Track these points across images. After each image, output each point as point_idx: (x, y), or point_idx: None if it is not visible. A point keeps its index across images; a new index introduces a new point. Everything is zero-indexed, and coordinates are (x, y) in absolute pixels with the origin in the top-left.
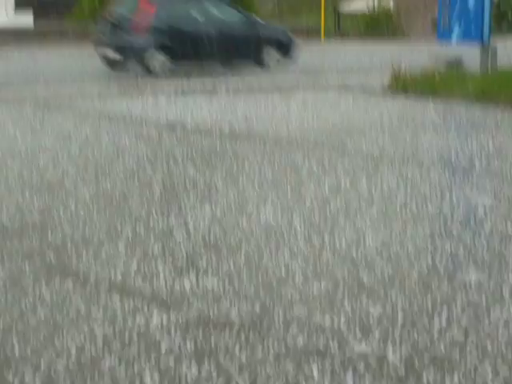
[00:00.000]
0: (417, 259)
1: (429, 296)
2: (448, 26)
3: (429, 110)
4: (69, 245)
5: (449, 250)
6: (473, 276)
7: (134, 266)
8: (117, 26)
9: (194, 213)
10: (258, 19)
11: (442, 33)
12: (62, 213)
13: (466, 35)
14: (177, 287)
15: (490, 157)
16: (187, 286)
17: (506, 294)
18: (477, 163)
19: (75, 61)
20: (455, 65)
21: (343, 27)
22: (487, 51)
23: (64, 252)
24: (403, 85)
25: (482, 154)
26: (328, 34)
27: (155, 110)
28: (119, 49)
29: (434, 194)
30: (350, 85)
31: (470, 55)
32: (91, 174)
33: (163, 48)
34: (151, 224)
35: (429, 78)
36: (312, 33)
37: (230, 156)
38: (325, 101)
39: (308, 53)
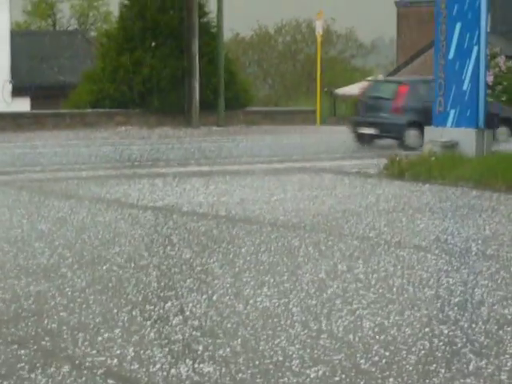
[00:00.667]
0: (414, 344)
1: (427, 381)
2: (443, 111)
3: (425, 193)
4: (65, 330)
5: (446, 334)
6: (471, 361)
7: (131, 352)
8: (373, 107)
9: (191, 297)
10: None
11: (437, 117)
12: (58, 298)
13: (461, 119)
14: (173, 373)
15: (487, 240)
16: (184, 371)
17: (505, 380)
18: (473, 246)
19: (71, 145)
20: (451, 148)
21: (339, 111)
22: (483, 135)
23: (60, 338)
24: (399, 168)
25: (478, 237)
26: (324, 118)
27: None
28: (376, 125)
29: (430, 277)
30: (346, 168)
31: (466, 138)
32: (88, 259)
33: (416, 124)
34: (148, 309)
35: (425, 161)
36: (307, 117)
37: (226, 239)
38: (321, 183)
39: (304, 137)
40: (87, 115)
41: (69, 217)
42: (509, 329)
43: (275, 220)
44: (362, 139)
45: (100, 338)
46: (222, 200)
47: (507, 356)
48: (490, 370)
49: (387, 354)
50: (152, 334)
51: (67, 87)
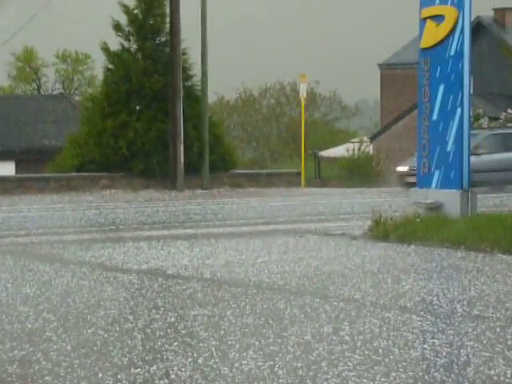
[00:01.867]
0: None
1: None
2: (427, 172)
3: (410, 255)
4: None
5: None
6: None
7: None
8: None
9: (176, 361)
10: None
11: (421, 178)
12: (42, 362)
13: (445, 181)
14: None
15: (472, 301)
16: None
17: None
18: (459, 308)
19: (56, 209)
20: (436, 209)
21: (323, 173)
22: (467, 196)
23: None
24: (384, 230)
25: (463, 298)
26: (308, 180)
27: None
28: None
29: (416, 338)
30: (331, 230)
31: (451, 200)
32: (72, 323)
33: None
34: (133, 372)
35: (409, 222)
36: (292, 179)
37: (211, 302)
38: (306, 246)
39: (289, 199)
40: (72, 179)
41: (54, 280)
42: None
43: (260, 282)
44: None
45: None
46: (206, 263)
47: None
48: None
49: None
50: None
51: (52, 151)
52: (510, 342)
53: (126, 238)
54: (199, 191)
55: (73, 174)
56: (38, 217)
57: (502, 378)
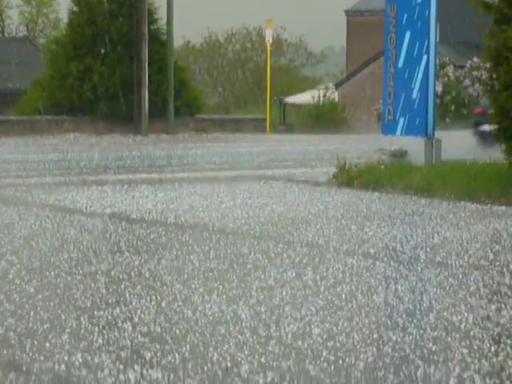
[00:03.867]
0: (363, 350)
1: None
2: (393, 119)
3: (374, 201)
4: (12, 337)
5: (395, 341)
6: (419, 367)
7: (79, 358)
8: None
9: (140, 304)
10: None
11: (386, 125)
12: (5, 304)
13: (410, 128)
14: (121, 379)
15: (435, 248)
16: (132, 377)
17: None
18: (422, 254)
19: (20, 152)
20: (400, 157)
21: (288, 120)
22: (431, 143)
23: (7, 344)
24: (348, 176)
25: (427, 245)
26: (273, 127)
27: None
28: None
29: (379, 284)
30: (295, 176)
31: (415, 147)
32: (36, 265)
33: None
34: (96, 315)
35: (374, 169)
36: (257, 125)
37: (175, 246)
38: (270, 192)
39: (254, 145)
40: (36, 122)
41: (17, 223)
42: (457, 335)
43: (224, 227)
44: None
45: (48, 344)
46: (171, 207)
47: (455, 362)
48: (438, 376)
49: (336, 360)
50: (100, 340)
51: (16, 94)
52: (472, 289)
53: (90, 182)
54: (164, 136)
55: (37, 117)
56: (2, 160)
57: (463, 325)
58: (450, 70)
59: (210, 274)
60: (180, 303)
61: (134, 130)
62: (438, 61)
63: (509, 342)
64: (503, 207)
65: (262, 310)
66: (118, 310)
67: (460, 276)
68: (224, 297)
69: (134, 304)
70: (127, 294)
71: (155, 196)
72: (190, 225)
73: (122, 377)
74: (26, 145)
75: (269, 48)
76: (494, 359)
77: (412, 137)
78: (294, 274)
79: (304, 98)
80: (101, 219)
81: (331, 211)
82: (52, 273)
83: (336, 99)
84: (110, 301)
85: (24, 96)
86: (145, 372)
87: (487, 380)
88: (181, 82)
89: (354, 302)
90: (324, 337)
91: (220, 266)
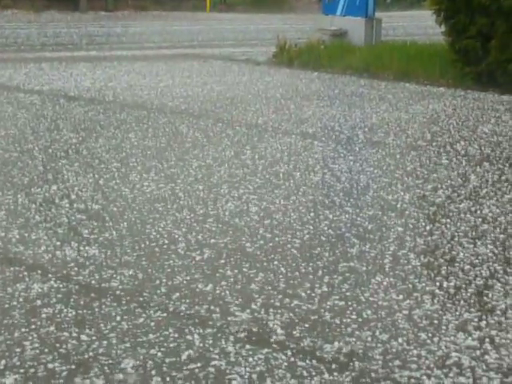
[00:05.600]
0: (299, 228)
1: (311, 264)
2: None
3: (313, 82)
4: None
5: (331, 219)
6: (354, 245)
7: (16, 234)
8: None
9: (77, 181)
10: None
11: (327, 5)
12: None
13: (350, 8)
14: (58, 255)
15: (374, 128)
16: (69, 253)
17: (387, 263)
18: (360, 134)
19: None
20: (340, 37)
21: None
22: (371, 24)
23: None
24: (288, 56)
25: (365, 125)
26: (214, 5)
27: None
28: None
29: (317, 163)
30: (235, 55)
31: (355, 27)
32: None
33: None
34: (33, 192)
35: (313, 49)
36: (198, 3)
37: (113, 124)
38: (210, 71)
39: (193, 24)
40: None
41: None
42: (392, 214)
43: (163, 106)
44: None
45: None
46: (109, 85)
47: (390, 241)
48: (373, 254)
49: (272, 237)
50: (37, 217)
51: None
52: (408, 169)
53: (28, 59)
54: (102, 13)
55: None
56: None
57: (400, 204)
58: None
59: (148, 153)
60: (118, 181)
61: (73, 7)
62: None
63: (443, 221)
64: (442, 88)
65: (200, 188)
66: (55, 187)
67: (397, 156)
68: (162, 175)
69: (71, 182)
70: (65, 172)
71: (94, 74)
72: (129, 103)
73: (58, 253)
74: None
75: None
76: (429, 238)
77: (352, 17)
78: (232, 153)
79: None
80: (39, 96)
81: (271, 91)
82: None
83: None
84: (47, 178)
85: None
86: (82, 248)
87: (421, 258)
88: None
89: (292, 180)
90: (261, 215)
91: (158, 144)
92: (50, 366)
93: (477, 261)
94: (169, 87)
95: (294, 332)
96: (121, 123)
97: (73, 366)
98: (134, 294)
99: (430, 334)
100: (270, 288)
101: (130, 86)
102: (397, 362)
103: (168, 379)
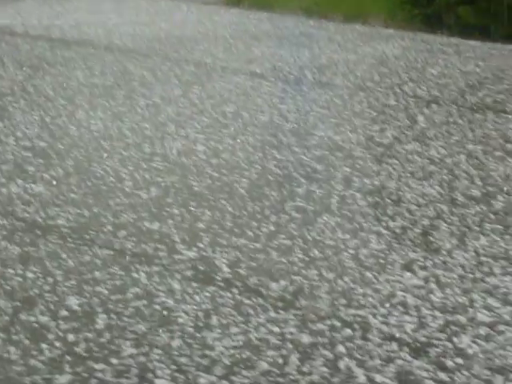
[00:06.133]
0: (247, 168)
1: (258, 203)
2: None
3: (262, 21)
4: None
5: (279, 159)
6: (302, 185)
7: None
8: None
9: (23, 118)
10: None
11: None
12: None
13: None
14: (4, 192)
15: (322, 68)
16: (14, 190)
17: (334, 203)
18: (309, 75)
19: None
20: None
21: None
22: None
23: None
24: None
25: (313, 65)
26: None
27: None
28: None
29: (265, 103)
30: None
31: None
32: None
33: None
34: None
35: None
36: None
37: (60, 62)
38: (158, 10)
39: None
40: None
41: None
42: (340, 154)
43: (110, 44)
44: None
45: None
46: (56, 23)
47: (337, 181)
48: (320, 194)
49: (220, 176)
50: None
51: None
52: (356, 109)
53: None
54: None
55: None
56: None
57: (347, 144)
58: None
59: (95, 90)
60: (64, 119)
61: None
62: None
63: (390, 161)
64: (391, 30)
65: (147, 126)
66: (0, 124)
67: (345, 97)
68: (109, 113)
69: (17, 119)
70: (10, 109)
71: (40, 11)
72: (76, 41)
73: (4, 190)
74: None
75: None
76: (376, 178)
77: None
78: (180, 91)
79: None
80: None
81: (219, 30)
82: None
83: None
84: None
85: None
86: (27, 186)
87: (368, 198)
88: None
89: (240, 120)
90: (208, 154)
91: (105, 82)
92: None
93: (423, 201)
94: (116, 25)
95: (240, 270)
96: (68, 61)
97: (18, 303)
98: (80, 232)
99: (375, 273)
100: (216, 227)
101: (77, 23)
102: (342, 301)
103: (114, 316)
